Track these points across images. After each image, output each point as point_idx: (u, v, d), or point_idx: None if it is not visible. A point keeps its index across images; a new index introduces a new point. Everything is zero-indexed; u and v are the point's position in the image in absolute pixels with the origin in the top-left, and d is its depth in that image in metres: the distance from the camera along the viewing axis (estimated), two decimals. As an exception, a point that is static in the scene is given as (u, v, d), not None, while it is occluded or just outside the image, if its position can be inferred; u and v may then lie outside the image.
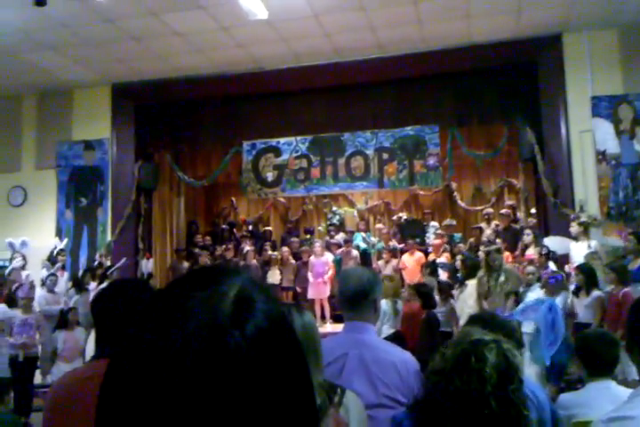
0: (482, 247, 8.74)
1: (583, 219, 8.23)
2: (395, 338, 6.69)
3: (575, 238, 7.92)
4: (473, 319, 2.57)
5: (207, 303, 0.62)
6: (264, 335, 0.62)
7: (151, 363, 0.58)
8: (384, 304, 6.90)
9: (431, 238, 11.32)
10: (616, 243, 7.73)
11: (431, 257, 10.26)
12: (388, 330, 6.96)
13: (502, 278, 7.18)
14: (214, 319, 0.60)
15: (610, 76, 8.74)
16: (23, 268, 8.83)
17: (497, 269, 7.29)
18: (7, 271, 8.57)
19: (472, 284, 7.58)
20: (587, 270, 6.51)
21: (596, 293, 6.30)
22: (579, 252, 7.37)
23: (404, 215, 12.82)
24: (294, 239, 12.34)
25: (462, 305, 7.58)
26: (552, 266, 7.68)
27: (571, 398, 2.81)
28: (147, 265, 9.76)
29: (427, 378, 1.55)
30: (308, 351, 1.93)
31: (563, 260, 7.95)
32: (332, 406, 1.89)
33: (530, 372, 6.28)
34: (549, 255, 7.77)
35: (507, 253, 9.04)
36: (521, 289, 7.02)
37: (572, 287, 6.80)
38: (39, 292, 8.25)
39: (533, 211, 10.54)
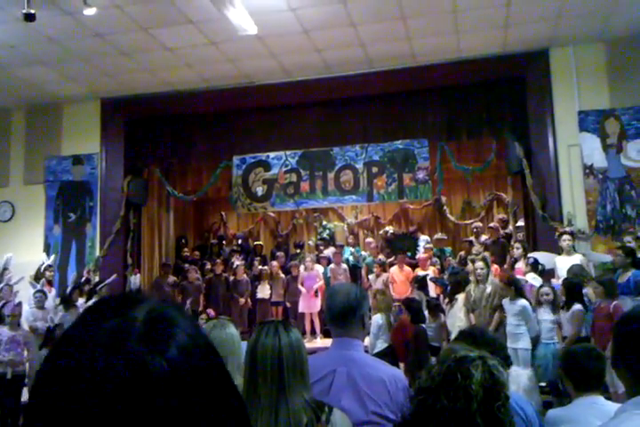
0: (469, 261, 8.77)
1: (572, 229, 8.27)
2: (388, 353, 6.67)
3: (562, 253, 7.94)
4: (462, 335, 2.57)
5: (116, 332, 0.60)
6: (189, 357, 0.61)
7: (73, 404, 0.56)
8: (379, 319, 6.89)
9: (421, 252, 11.34)
10: (603, 259, 7.75)
11: (418, 271, 10.26)
12: (382, 344, 6.93)
13: (488, 291, 7.18)
14: (124, 348, 0.58)
15: (597, 91, 8.83)
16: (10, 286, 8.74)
17: (482, 280, 7.31)
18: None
19: (462, 297, 7.59)
20: (567, 284, 6.55)
21: (575, 306, 6.32)
22: (566, 266, 7.38)
23: (390, 229, 12.84)
24: (280, 253, 12.32)
25: (453, 320, 7.57)
26: (531, 277, 7.62)
27: (558, 413, 2.79)
28: (134, 281, 9.69)
29: (414, 396, 1.55)
30: (295, 369, 1.92)
31: (548, 275, 7.92)
32: (320, 425, 1.88)
33: (523, 379, 6.28)
34: (537, 267, 7.76)
35: (495, 267, 9.07)
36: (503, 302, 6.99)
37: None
38: (26, 308, 8.17)
39: (519, 224, 10.56)
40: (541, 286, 6.99)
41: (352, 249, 12.15)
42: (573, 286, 6.46)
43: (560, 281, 7.22)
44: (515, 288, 6.75)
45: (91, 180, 10.51)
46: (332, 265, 11.04)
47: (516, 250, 8.77)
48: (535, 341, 6.65)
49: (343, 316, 2.41)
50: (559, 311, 6.62)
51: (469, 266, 8.42)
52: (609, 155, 8.67)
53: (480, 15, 7.92)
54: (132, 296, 0.68)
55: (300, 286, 10.57)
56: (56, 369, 0.60)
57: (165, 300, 0.69)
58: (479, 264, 7.41)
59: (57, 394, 0.58)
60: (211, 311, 9.42)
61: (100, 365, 0.57)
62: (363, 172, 10.16)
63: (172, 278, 11.04)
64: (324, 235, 13.44)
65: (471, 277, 7.69)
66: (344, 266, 11.03)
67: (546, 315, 6.69)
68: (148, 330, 0.61)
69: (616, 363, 1.54)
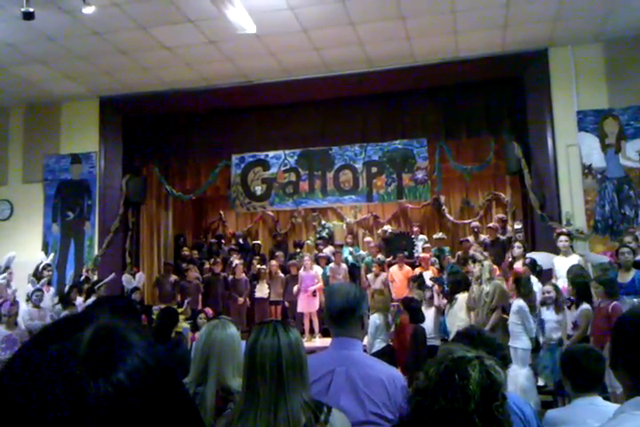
0: (470, 261, 8.78)
1: (571, 230, 8.28)
2: (386, 352, 6.67)
3: (560, 253, 7.93)
4: (460, 335, 2.57)
5: (58, 356, 0.58)
6: (138, 381, 0.58)
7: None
8: (376, 318, 6.88)
9: (419, 252, 11.34)
10: (601, 259, 7.73)
11: (419, 271, 10.26)
12: (380, 344, 6.93)
13: (487, 290, 7.18)
14: (66, 372, 0.56)
15: (595, 91, 8.83)
16: (8, 284, 8.74)
17: (480, 281, 7.32)
18: None
19: (462, 297, 7.59)
20: (577, 284, 6.52)
21: (583, 306, 6.31)
22: (564, 266, 7.37)
23: (388, 228, 12.83)
24: (279, 253, 12.31)
25: (453, 319, 7.57)
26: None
27: (557, 414, 2.80)
28: (130, 280, 9.65)
29: (411, 396, 1.55)
30: (294, 369, 1.92)
31: (546, 275, 7.91)
32: (318, 425, 1.88)
33: (520, 379, 6.29)
34: (534, 267, 7.75)
35: (494, 267, 9.07)
36: (511, 302, 6.98)
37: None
38: (24, 307, 8.16)
39: (517, 226, 10.53)
40: (544, 285, 6.99)
41: (351, 248, 12.15)
42: (583, 286, 6.43)
43: (559, 282, 7.21)
44: (516, 287, 6.75)
45: (89, 178, 10.50)
46: (331, 264, 11.03)
47: (517, 249, 8.73)
48: (535, 341, 6.64)
49: (342, 315, 2.41)
50: (562, 311, 6.62)
51: (470, 266, 8.45)
52: (607, 155, 8.68)
53: (479, 15, 7.92)
54: (84, 316, 0.65)
55: (295, 287, 10.55)
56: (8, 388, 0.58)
57: (118, 318, 0.65)
58: (474, 264, 7.43)
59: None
60: (208, 310, 9.40)
61: (40, 391, 0.56)
62: (362, 171, 10.16)
63: (173, 277, 11.04)
64: (323, 234, 13.44)
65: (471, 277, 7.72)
66: (344, 266, 11.03)
67: (550, 315, 6.68)
68: (92, 352, 0.59)
69: (614, 364, 1.54)
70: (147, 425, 0.58)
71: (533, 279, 7.42)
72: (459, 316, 7.49)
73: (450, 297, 7.92)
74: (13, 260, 9.17)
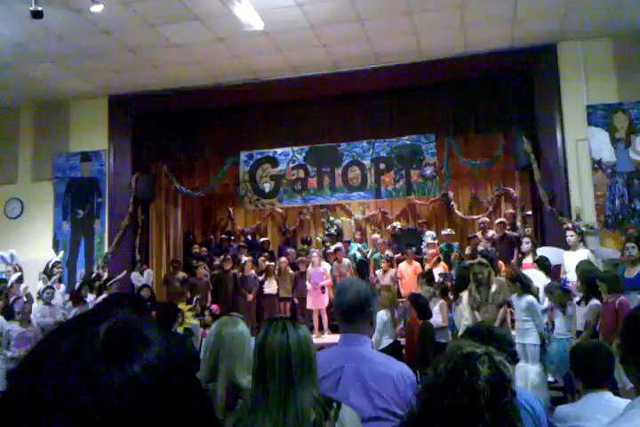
0: (471, 259, 8.72)
1: (581, 227, 8.24)
2: (393, 349, 6.67)
3: (570, 248, 7.90)
4: (469, 332, 2.57)
5: (75, 348, 0.58)
6: (153, 374, 0.59)
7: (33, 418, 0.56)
8: (383, 315, 6.88)
9: (425, 247, 11.31)
10: (612, 255, 7.69)
11: (426, 267, 10.23)
12: (387, 341, 6.93)
13: (494, 289, 7.12)
14: (82, 364, 0.57)
15: (605, 85, 8.78)
16: (20, 280, 8.81)
17: (483, 283, 7.20)
18: (8, 285, 8.55)
19: (466, 295, 7.56)
20: (586, 279, 6.49)
21: (593, 302, 6.28)
22: (572, 261, 7.33)
23: (398, 225, 12.81)
24: (291, 250, 12.31)
25: (459, 317, 7.55)
26: (530, 273, 7.48)
27: (567, 410, 2.79)
28: (138, 277, 9.69)
29: (420, 393, 1.55)
30: (303, 365, 1.93)
31: (554, 270, 7.86)
32: (328, 421, 1.88)
33: (531, 375, 6.29)
34: (543, 264, 7.70)
35: (500, 262, 9.03)
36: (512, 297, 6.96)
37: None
38: (36, 305, 8.22)
39: (528, 212, 10.49)
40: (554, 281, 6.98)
41: (359, 245, 12.13)
42: (592, 282, 6.39)
43: (568, 276, 7.18)
44: (520, 284, 6.72)
45: (99, 176, 10.56)
46: (335, 262, 11.01)
47: (525, 244, 8.69)
48: (543, 336, 6.63)
49: (352, 312, 2.41)
50: (567, 306, 6.60)
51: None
52: (617, 149, 8.63)
53: (487, 10, 7.88)
54: (100, 311, 0.66)
55: (307, 283, 10.56)
56: (16, 388, 0.59)
57: (135, 313, 0.66)
58: (478, 269, 7.27)
59: (15, 415, 0.57)
60: (214, 307, 9.42)
61: (55, 381, 0.56)
62: (370, 168, 10.14)
63: (181, 274, 11.07)
64: (332, 231, 13.43)
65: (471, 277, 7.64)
66: (346, 262, 10.99)
67: (557, 310, 6.66)
68: (108, 344, 0.59)
69: (624, 360, 1.54)
70: (160, 419, 0.58)
71: (541, 275, 7.39)
72: (464, 315, 7.45)
73: (455, 293, 7.88)
74: (15, 257, 9.22)
